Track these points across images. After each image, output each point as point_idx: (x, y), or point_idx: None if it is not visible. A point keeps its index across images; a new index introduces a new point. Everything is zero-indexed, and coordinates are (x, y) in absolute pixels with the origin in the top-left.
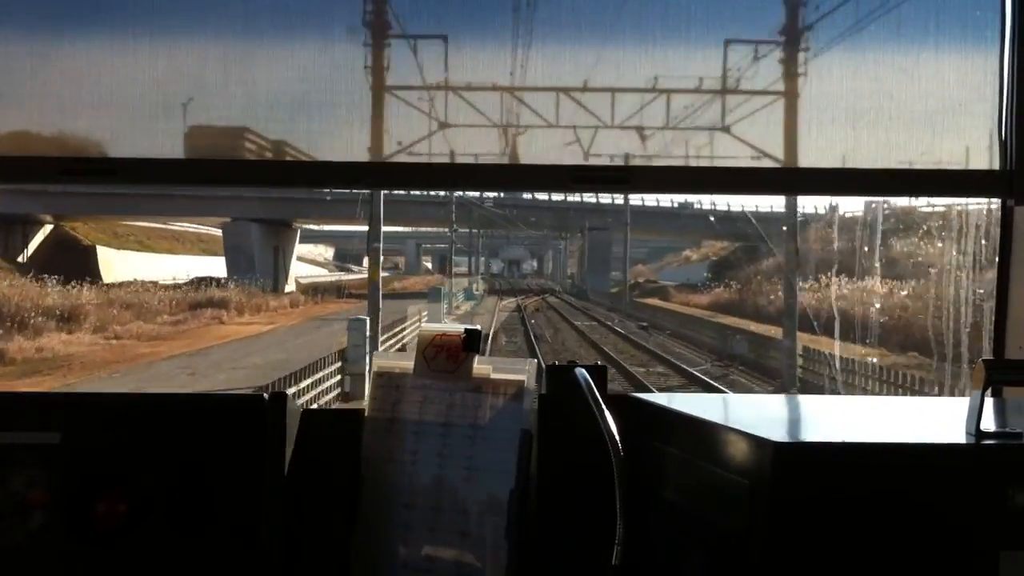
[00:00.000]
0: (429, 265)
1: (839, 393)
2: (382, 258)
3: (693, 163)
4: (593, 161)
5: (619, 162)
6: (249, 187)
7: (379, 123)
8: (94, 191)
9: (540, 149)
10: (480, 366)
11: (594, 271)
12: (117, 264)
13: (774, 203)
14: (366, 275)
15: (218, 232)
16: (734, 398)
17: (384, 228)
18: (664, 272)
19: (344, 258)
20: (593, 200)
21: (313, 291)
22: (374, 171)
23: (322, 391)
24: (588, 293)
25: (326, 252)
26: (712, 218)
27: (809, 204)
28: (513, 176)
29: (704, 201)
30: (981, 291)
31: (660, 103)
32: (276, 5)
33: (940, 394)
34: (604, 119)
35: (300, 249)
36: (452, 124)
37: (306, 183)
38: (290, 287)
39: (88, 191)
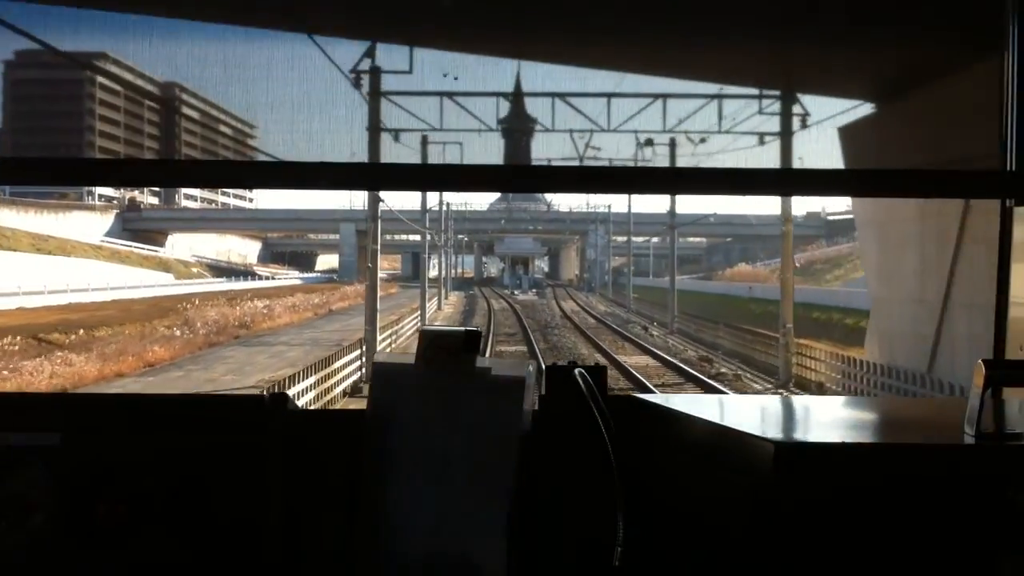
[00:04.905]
0: (399, 264)
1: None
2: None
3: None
4: (592, 162)
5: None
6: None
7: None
8: None
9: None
10: (480, 366)
11: None
12: None
13: None
14: (264, 285)
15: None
16: (734, 399)
17: (313, 205)
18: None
19: (275, 259)
20: None
21: None
22: (374, 172)
23: None
24: None
25: (245, 248)
26: None
27: None
28: (517, 177)
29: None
30: None
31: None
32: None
33: None
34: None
35: (187, 243)
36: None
37: (305, 184)
38: None
39: None
